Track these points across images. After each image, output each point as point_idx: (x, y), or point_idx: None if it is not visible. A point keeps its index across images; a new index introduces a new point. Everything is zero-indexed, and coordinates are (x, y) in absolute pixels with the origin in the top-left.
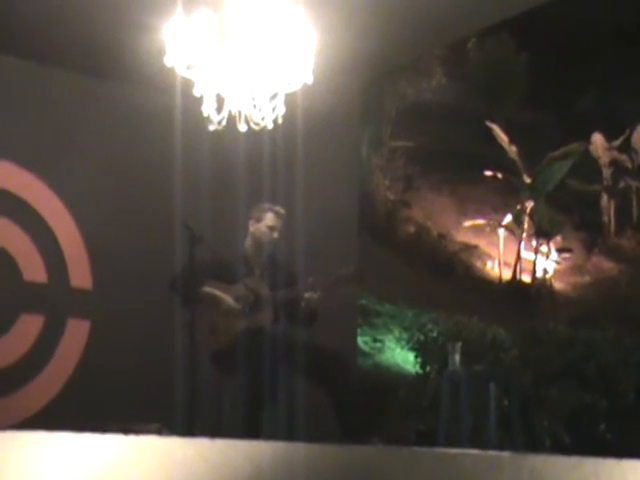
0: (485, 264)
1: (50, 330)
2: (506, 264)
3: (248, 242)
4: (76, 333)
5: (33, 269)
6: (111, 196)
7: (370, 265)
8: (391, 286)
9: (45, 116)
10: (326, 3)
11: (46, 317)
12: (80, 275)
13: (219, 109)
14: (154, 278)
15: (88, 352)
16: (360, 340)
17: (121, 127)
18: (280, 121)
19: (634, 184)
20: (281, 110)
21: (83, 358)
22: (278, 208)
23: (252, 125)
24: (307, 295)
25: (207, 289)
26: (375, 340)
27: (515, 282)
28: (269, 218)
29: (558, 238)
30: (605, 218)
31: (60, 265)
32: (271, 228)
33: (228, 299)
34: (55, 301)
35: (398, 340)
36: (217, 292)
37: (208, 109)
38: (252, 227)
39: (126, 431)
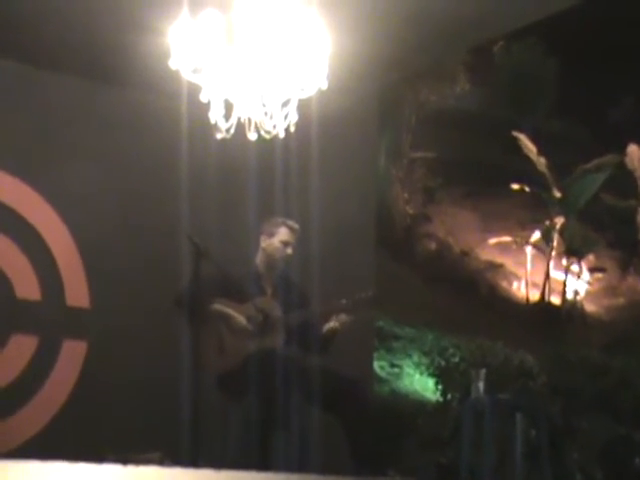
0: (511, 284)
1: (44, 351)
2: (534, 284)
3: (259, 258)
4: (72, 355)
5: (26, 286)
6: (111, 208)
7: (387, 284)
8: (410, 307)
9: (41, 123)
10: (341, 3)
11: (40, 338)
12: (77, 293)
13: (227, 116)
14: (156, 296)
15: (85, 375)
16: (376, 365)
17: (123, 135)
18: (292, 129)
19: None
20: (294, 117)
21: (79, 382)
22: (292, 222)
23: (263, 133)
24: (330, 325)
25: (217, 306)
26: (392, 365)
27: (543, 304)
28: (282, 233)
29: (590, 257)
30: None
31: (55, 282)
32: (284, 244)
33: (240, 317)
34: (50, 320)
35: (417, 365)
36: (228, 309)
37: (216, 116)
38: (264, 242)
39: (125, 461)
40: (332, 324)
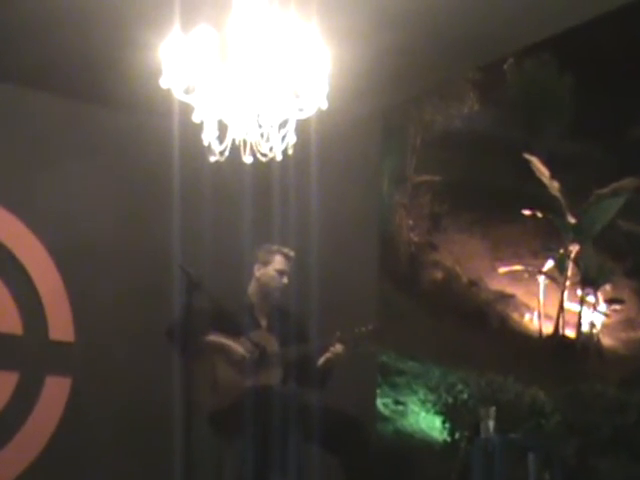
0: (523, 316)
1: (25, 389)
2: (547, 316)
3: (253, 288)
4: (55, 392)
5: (6, 319)
6: (98, 237)
7: (391, 316)
8: (415, 340)
9: (25, 147)
10: (342, 19)
11: (21, 374)
12: (61, 326)
13: (221, 138)
14: (146, 329)
15: (69, 413)
16: (380, 402)
17: (110, 159)
18: (290, 152)
19: None
20: (292, 139)
21: (63, 420)
22: (288, 250)
23: (259, 156)
24: (329, 352)
25: (212, 337)
26: (397, 402)
27: (557, 337)
28: (278, 261)
29: (607, 287)
30: None
31: (37, 315)
32: (280, 272)
33: (238, 347)
34: (31, 356)
35: (423, 403)
36: (225, 340)
37: (209, 138)
38: (258, 272)
39: None
40: (327, 355)
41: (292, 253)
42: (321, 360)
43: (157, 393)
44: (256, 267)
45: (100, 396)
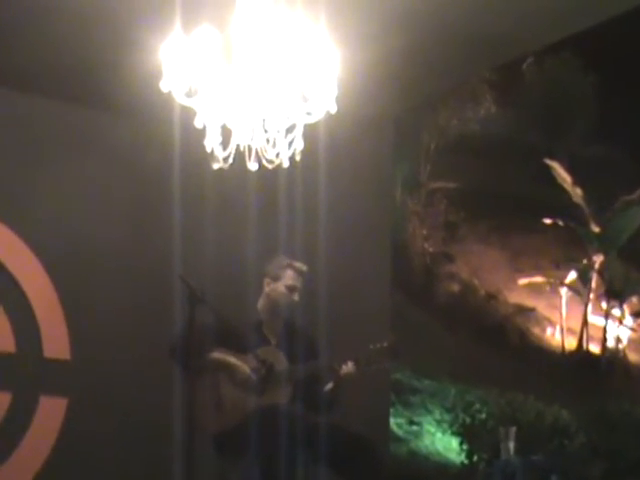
0: (544, 330)
1: (18, 410)
2: (570, 331)
3: (262, 304)
4: (50, 413)
5: None
6: (96, 249)
7: (405, 331)
8: (430, 357)
9: (21, 155)
10: (352, 19)
11: (14, 394)
12: (56, 343)
13: (225, 144)
14: (146, 346)
15: (65, 436)
16: (393, 422)
17: (109, 166)
18: (298, 158)
19: None
20: (299, 145)
21: (58, 443)
22: (299, 264)
23: (264, 163)
24: (340, 373)
25: (217, 355)
26: (411, 423)
27: (581, 353)
28: (289, 276)
29: (634, 299)
30: None
31: (31, 331)
32: (290, 288)
33: (243, 366)
34: (25, 375)
35: (439, 423)
36: (230, 358)
37: (212, 144)
38: (268, 287)
39: None
40: (337, 377)
41: (304, 267)
42: (329, 385)
43: (158, 413)
44: (266, 282)
45: (98, 417)
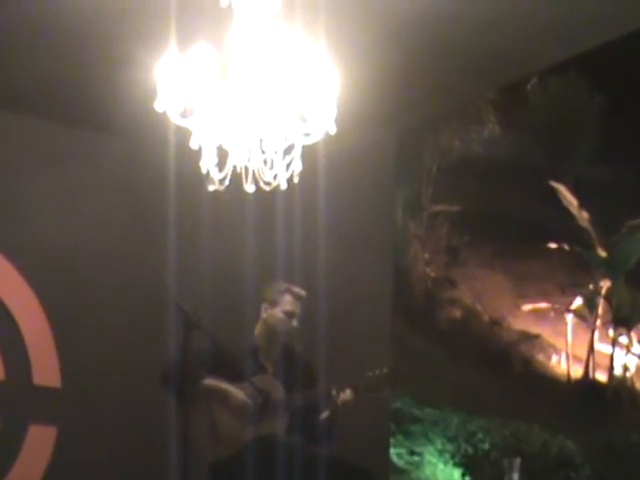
0: (549, 358)
1: (6, 439)
2: (576, 358)
3: (259, 330)
4: (39, 442)
5: None
6: (88, 274)
7: (406, 359)
8: (432, 385)
9: (9, 174)
10: (352, 37)
11: (2, 422)
12: (46, 370)
13: (221, 165)
14: (139, 373)
15: (54, 466)
16: (393, 453)
17: (101, 188)
18: (296, 180)
19: None
20: (298, 167)
21: (47, 474)
22: (298, 289)
23: (262, 185)
24: (337, 401)
25: (211, 382)
26: (412, 453)
27: (587, 381)
28: (287, 302)
29: None
30: None
31: (21, 358)
32: (289, 314)
33: (239, 393)
34: (13, 403)
35: (441, 453)
36: (224, 386)
37: (208, 165)
38: (265, 312)
39: None
40: (333, 406)
41: (303, 292)
42: (325, 414)
43: (151, 443)
44: (263, 307)
45: (89, 447)
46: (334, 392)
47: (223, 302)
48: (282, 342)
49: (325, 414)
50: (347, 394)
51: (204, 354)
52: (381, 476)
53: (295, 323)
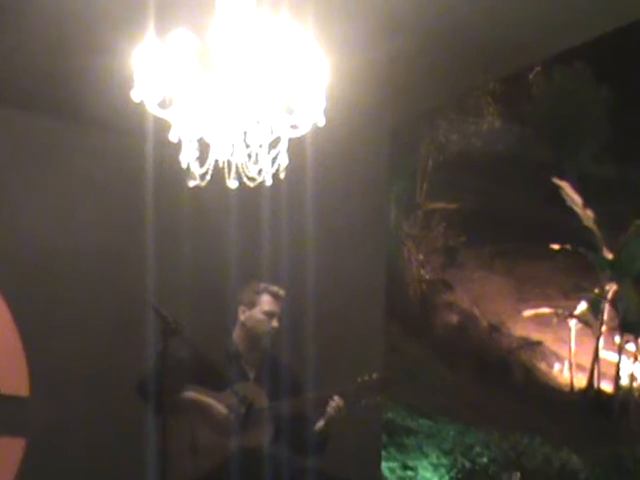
0: (551, 366)
1: None
2: (579, 367)
3: (239, 335)
4: (6, 455)
5: None
6: (59, 276)
7: (399, 366)
8: (426, 395)
9: None
10: (343, 23)
11: None
12: (13, 378)
13: (202, 159)
14: (113, 382)
15: None
16: (385, 467)
17: (74, 182)
18: (282, 176)
19: None
20: (284, 161)
21: None
22: (276, 288)
23: (246, 181)
24: (329, 409)
25: (190, 394)
26: (405, 467)
27: (592, 391)
28: (265, 301)
29: None
30: None
31: None
32: (269, 314)
33: (219, 406)
34: None
35: (436, 467)
36: (204, 398)
37: (188, 159)
38: (243, 315)
39: None
40: (327, 413)
41: (282, 291)
42: (320, 424)
43: (127, 458)
44: (240, 310)
45: (59, 461)
46: (323, 400)
47: (204, 306)
48: (263, 345)
49: (319, 424)
50: (336, 401)
51: (183, 362)
52: None
53: (275, 323)
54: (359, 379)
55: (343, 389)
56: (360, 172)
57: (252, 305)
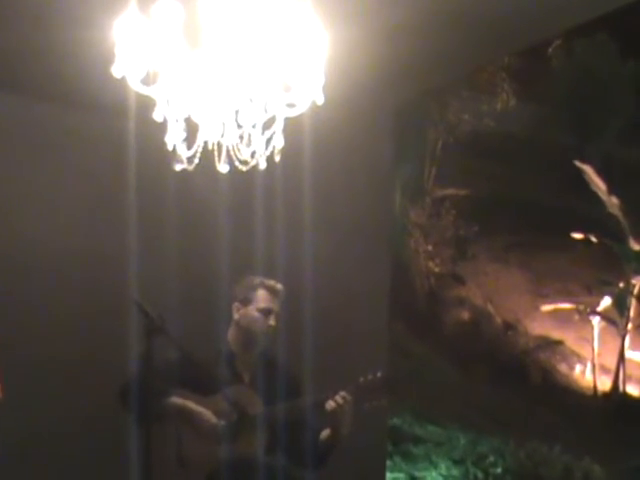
0: (572, 368)
1: None
2: (603, 369)
3: (232, 334)
4: None
5: None
6: (32, 269)
7: (406, 368)
8: (435, 399)
9: None
10: None
11: None
12: None
13: (190, 141)
14: (92, 386)
15: None
16: (390, 478)
17: (50, 165)
18: (278, 159)
19: None
20: (279, 143)
21: None
22: (273, 282)
23: (237, 165)
24: (334, 404)
25: (176, 400)
26: (412, 478)
27: (616, 395)
28: (261, 298)
29: None
30: None
31: None
32: (265, 312)
33: (207, 413)
34: None
35: (446, 479)
36: (191, 404)
37: (174, 140)
38: (237, 313)
39: None
40: (330, 412)
41: (279, 286)
42: (325, 432)
43: (108, 470)
44: (234, 307)
45: (32, 474)
46: (323, 403)
47: (192, 302)
48: (259, 346)
49: (325, 432)
50: (339, 400)
51: (170, 365)
52: None
53: (272, 321)
54: (361, 379)
55: (344, 390)
56: (362, 155)
57: (247, 302)
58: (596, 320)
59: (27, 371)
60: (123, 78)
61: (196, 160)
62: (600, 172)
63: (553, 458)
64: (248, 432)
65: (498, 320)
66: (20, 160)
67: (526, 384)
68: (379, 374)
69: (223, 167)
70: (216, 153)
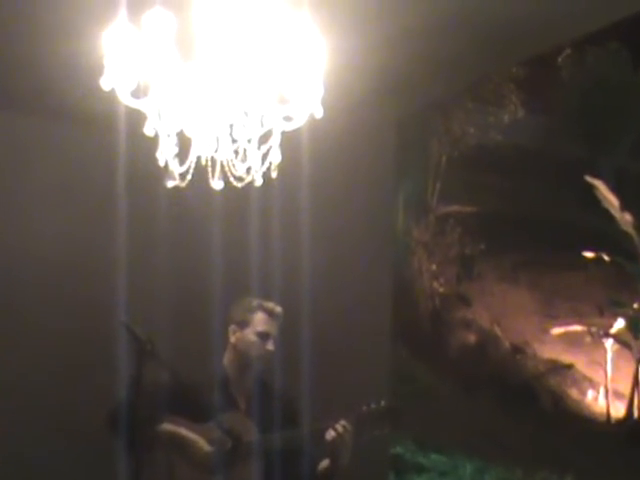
0: (584, 393)
1: None
2: (617, 394)
3: (228, 359)
4: None
5: None
6: (17, 288)
7: (409, 394)
8: (440, 426)
9: None
10: (342, 2)
11: None
12: None
13: (182, 156)
14: (79, 414)
15: None
16: None
17: (39, 183)
18: (275, 175)
19: None
20: (276, 158)
21: None
22: (271, 305)
23: (232, 181)
24: (329, 435)
25: (167, 426)
26: None
27: (631, 422)
28: (259, 321)
29: None
30: None
31: None
32: (262, 336)
33: (200, 442)
34: None
35: None
36: (183, 431)
37: (166, 156)
38: (234, 336)
39: None
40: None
41: (278, 308)
42: (324, 463)
43: None
44: (231, 330)
45: None
46: (321, 432)
47: (185, 324)
48: (256, 371)
49: (323, 463)
50: (339, 429)
51: (161, 390)
52: None
53: (271, 346)
54: (364, 407)
55: (345, 419)
56: (363, 170)
57: (244, 325)
58: (609, 343)
59: (13, 395)
60: (112, 91)
61: (189, 176)
62: (613, 187)
63: None
64: (243, 461)
65: (506, 343)
66: (6, 174)
67: (535, 410)
68: (383, 403)
69: (217, 184)
70: (210, 169)
